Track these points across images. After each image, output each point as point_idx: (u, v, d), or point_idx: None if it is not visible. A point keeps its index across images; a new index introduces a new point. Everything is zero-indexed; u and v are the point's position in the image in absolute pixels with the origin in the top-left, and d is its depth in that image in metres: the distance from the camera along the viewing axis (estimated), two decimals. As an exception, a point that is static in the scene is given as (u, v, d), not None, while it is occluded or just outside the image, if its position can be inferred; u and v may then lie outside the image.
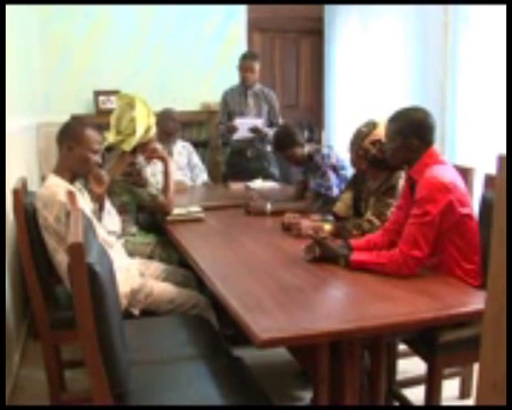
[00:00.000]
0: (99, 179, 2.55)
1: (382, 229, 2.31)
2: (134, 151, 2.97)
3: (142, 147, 2.98)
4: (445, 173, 2.08)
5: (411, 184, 2.20)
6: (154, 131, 3.01)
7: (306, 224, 2.58)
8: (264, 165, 4.34)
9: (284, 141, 3.13)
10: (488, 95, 3.51)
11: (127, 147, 2.91)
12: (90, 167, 2.46)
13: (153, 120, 2.99)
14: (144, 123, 2.93)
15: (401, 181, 2.46)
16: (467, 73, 3.74)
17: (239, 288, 1.94)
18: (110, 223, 2.63)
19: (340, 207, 2.76)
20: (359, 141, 2.54)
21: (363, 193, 2.67)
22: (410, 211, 2.09)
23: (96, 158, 2.47)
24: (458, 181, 2.11)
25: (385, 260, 2.05)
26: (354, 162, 2.62)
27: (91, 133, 2.45)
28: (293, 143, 3.10)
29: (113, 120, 2.97)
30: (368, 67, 4.94)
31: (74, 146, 2.40)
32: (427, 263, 2.09)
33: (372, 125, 2.53)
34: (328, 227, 2.51)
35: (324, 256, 2.17)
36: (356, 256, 2.11)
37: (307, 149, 3.12)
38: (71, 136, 2.42)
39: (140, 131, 2.90)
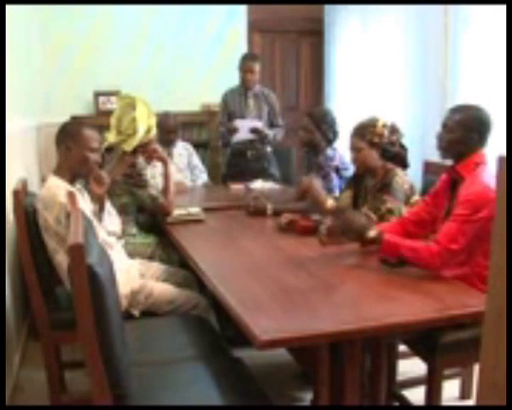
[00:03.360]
0: (99, 180, 2.55)
1: (397, 220, 2.33)
2: (134, 152, 2.97)
3: (143, 148, 2.98)
4: (493, 183, 2.07)
5: (453, 179, 2.19)
6: (154, 131, 3.01)
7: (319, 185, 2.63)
8: (265, 165, 4.34)
9: (321, 117, 3.16)
10: (488, 95, 3.51)
11: (128, 147, 2.91)
12: (90, 167, 2.46)
13: (153, 121, 2.99)
14: (145, 123, 2.93)
15: (397, 179, 2.49)
16: (467, 73, 3.74)
17: (239, 289, 1.94)
18: (110, 224, 2.63)
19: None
20: (372, 128, 2.56)
21: (361, 191, 2.69)
22: (452, 210, 2.08)
23: (96, 157, 2.47)
24: None
25: (420, 246, 2.04)
26: (361, 160, 2.61)
27: (89, 132, 2.45)
28: (322, 129, 3.13)
29: (113, 120, 2.97)
30: (368, 68, 4.94)
31: (72, 146, 2.40)
32: (447, 273, 2.08)
33: (373, 117, 2.60)
34: (331, 202, 2.55)
35: (347, 228, 2.15)
36: (389, 237, 2.09)
37: (321, 142, 3.13)
38: (68, 136, 2.42)
39: (141, 132, 2.90)
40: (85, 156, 2.42)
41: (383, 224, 2.34)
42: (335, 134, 3.20)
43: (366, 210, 2.50)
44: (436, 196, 2.30)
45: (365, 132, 2.57)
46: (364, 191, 2.68)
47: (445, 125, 2.21)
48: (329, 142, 3.16)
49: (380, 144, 2.55)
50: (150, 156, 3.03)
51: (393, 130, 2.56)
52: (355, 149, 2.61)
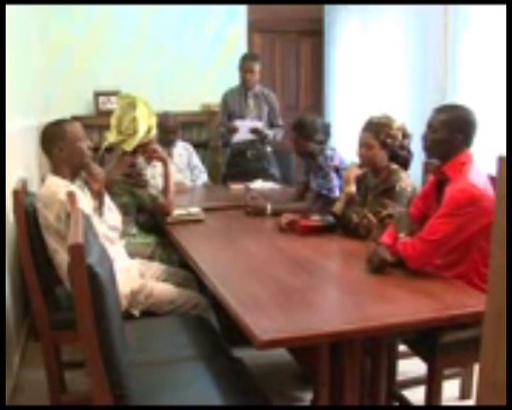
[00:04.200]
0: (94, 176, 2.55)
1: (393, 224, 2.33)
2: (134, 152, 2.97)
3: (143, 148, 2.98)
4: (481, 181, 2.07)
5: (441, 180, 2.20)
6: (154, 131, 3.01)
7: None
8: (264, 165, 4.34)
9: (306, 129, 3.11)
10: (488, 95, 3.51)
11: (128, 147, 2.91)
12: (86, 154, 2.47)
13: (154, 121, 2.99)
14: (145, 123, 2.93)
15: (400, 183, 2.49)
16: (467, 73, 3.74)
17: (239, 289, 1.94)
18: (111, 219, 2.63)
19: (339, 207, 2.77)
20: (387, 129, 2.55)
21: (361, 190, 2.69)
22: (438, 210, 2.09)
23: (87, 143, 2.49)
24: (490, 189, 2.10)
25: (407, 239, 2.12)
26: (370, 157, 2.59)
27: (70, 125, 2.47)
28: (311, 138, 3.11)
29: (113, 120, 2.97)
30: (368, 68, 4.94)
31: (63, 146, 2.41)
32: (446, 273, 2.09)
33: (389, 117, 2.60)
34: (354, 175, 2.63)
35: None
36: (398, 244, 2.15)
37: (316, 148, 3.13)
38: (56, 139, 2.41)
39: (141, 132, 2.90)
40: (78, 147, 2.44)
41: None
42: (327, 134, 3.19)
43: (367, 213, 2.50)
44: (425, 197, 2.30)
45: (380, 131, 2.55)
46: (365, 190, 2.67)
47: (429, 126, 2.21)
48: (323, 143, 3.15)
49: (391, 146, 2.54)
50: (150, 156, 3.03)
51: (405, 133, 2.56)
52: (366, 144, 2.59)
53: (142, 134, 2.90)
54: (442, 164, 2.18)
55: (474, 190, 2.03)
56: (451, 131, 2.13)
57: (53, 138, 2.43)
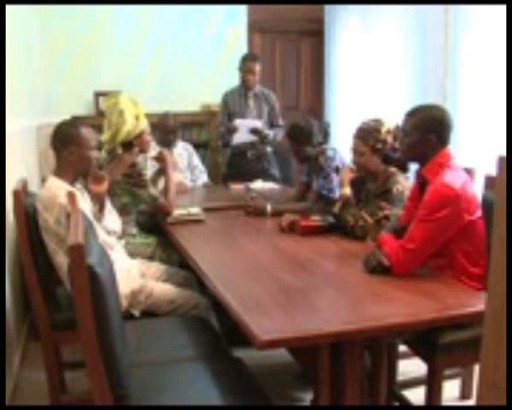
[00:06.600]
0: (99, 178, 2.55)
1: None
2: (130, 146, 2.97)
3: (137, 140, 2.99)
4: (457, 180, 2.06)
5: (422, 183, 2.19)
6: (144, 121, 3.01)
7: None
8: (265, 166, 4.34)
9: (300, 136, 3.11)
10: (488, 95, 3.51)
11: (121, 137, 2.91)
12: (91, 163, 2.47)
13: (141, 110, 3.00)
14: (132, 111, 2.94)
15: (398, 186, 2.48)
16: (467, 73, 3.74)
17: (239, 289, 1.94)
18: (111, 222, 2.63)
19: (338, 207, 2.77)
20: (376, 134, 2.53)
21: (361, 193, 2.68)
22: (417, 212, 2.09)
23: (95, 154, 2.49)
24: (468, 187, 2.09)
25: (394, 243, 2.09)
26: (363, 163, 2.59)
27: (86, 131, 2.46)
28: (307, 143, 3.11)
29: (105, 123, 3.00)
30: (368, 68, 4.94)
31: (75, 150, 2.40)
32: (431, 264, 2.09)
33: (378, 121, 2.57)
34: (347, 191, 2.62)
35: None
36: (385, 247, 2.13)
37: (315, 151, 3.12)
38: (69, 141, 2.40)
39: (129, 120, 2.91)
40: (88, 156, 2.44)
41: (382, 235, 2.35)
42: (326, 134, 3.18)
43: (364, 214, 2.50)
44: (412, 201, 2.29)
45: (368, 137, 2.54)
46: (365, 194, 2.67)
47: (403, 130, 2.21)
48: (322, 143, 3.15)
49: (382, 150, 2.53)
50: (144, 147, 3.04)
51: (396, 135, 2.52)
52: (357, 152, 2.59)
53: (130, 121, 2.91)
54: (421, 167, 2.18)
55: (447, 191, 2.02)
56: (423, 132, 2.12)
57: (66, 139, 2.41)
